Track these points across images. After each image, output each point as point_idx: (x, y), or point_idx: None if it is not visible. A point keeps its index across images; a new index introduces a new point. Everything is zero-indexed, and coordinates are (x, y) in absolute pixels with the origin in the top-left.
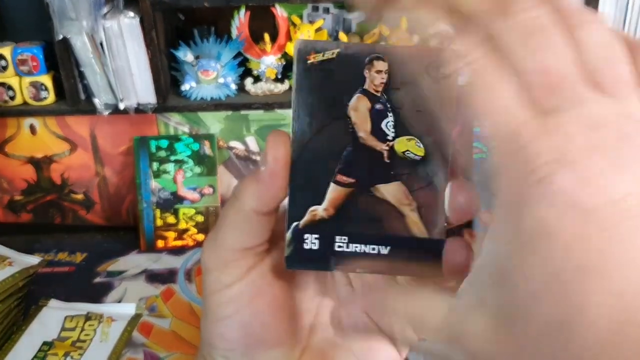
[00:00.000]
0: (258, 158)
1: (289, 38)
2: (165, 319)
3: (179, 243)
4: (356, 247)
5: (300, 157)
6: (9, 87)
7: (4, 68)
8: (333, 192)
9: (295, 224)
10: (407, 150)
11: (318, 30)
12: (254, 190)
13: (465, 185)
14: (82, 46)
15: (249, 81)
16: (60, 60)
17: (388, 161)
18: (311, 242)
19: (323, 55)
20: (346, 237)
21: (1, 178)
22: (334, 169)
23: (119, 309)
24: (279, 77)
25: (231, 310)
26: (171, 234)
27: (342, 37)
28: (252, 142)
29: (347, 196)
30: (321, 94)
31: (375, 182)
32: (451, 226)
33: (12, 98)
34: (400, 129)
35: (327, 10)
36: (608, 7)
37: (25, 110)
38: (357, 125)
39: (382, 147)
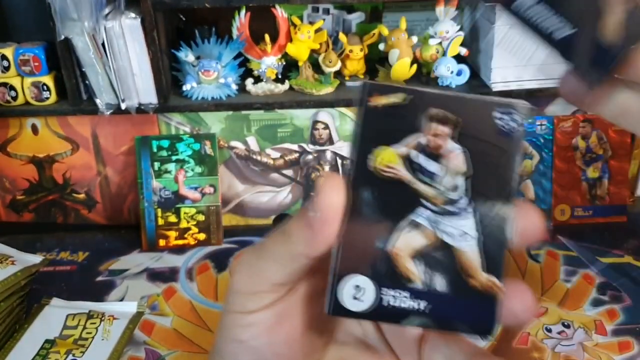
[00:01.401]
0: (259, 157)
1: (289, 39)
2: (167, 317)
3: (180, 242)
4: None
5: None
6: (11, 88)
7: (6, 68)
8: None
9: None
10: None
11: (318, 30)
12: (304, 235)
13: (532, 207)
14: (83, 46)
15: (249, 81)
16: (62, 60)
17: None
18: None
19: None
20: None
21: (3, 178)
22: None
23: (121, 307)
24: (279, 77)
25: (248, 335)
26: (172, 233)
27: (342, 37)
28: (252, 142)
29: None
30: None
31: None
32: (515, 248)
33: (14, 98)
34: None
35: (327, 11)
36: None
37: (27, 111)
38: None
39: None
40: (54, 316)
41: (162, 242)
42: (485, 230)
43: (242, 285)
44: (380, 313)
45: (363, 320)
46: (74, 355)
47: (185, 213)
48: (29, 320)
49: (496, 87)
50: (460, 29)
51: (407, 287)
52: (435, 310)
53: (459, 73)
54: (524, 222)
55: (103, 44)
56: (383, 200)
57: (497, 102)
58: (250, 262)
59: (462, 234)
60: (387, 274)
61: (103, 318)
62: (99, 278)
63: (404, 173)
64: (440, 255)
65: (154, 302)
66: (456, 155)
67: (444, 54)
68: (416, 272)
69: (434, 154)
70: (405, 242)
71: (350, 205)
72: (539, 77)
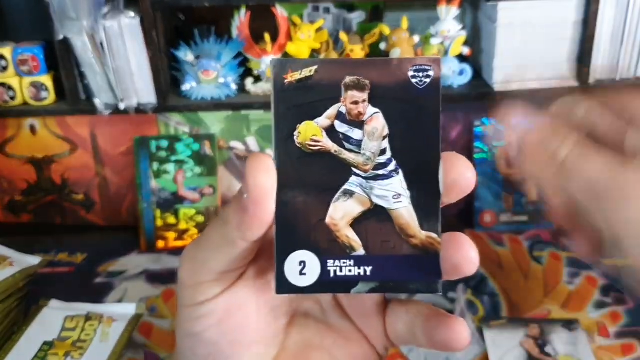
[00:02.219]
0: None
1: (289, 38)
2: (166, 319)
3: (179, 243)
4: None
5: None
6: (10, 88)
7: (5, 68)
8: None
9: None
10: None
11: (319, 30)
12: (239, 219)
13: (457, 156)
14: (82, 46)
15: (249, 81)
16: (60, 60)
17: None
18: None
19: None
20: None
21: (1, 178)
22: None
23: (120, 309)
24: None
25: (200, 327)
26: (171, 235)
27: (343, 37)
28: (252, 143)
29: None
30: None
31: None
32: (447, 204)
33: (13, 98)
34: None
35: (327, 10)
36: (608, 7)
37: (25, 111)
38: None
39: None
40: (52, 318)
41: (161, 244)
42: (416, 188)
43: (187, 278)
44: (328, 285)
45: (325, 295)
46: (72, 357)
47: (184, 214)
48: (27, 322)
49: (498, 87)
50: (463, 29)
51: (350, 255)
52: (381, 274)
53: (460, 73)
54: (452, 173)
55: (102, 44)
56: (315, 174)
57: (409, 60)
58: (192, 254)
59: (396, 195)
60: (329, 245)
61: (101, 320)
62: (98, 280)
63: (329, 144)
64: (378, 220)
65: (152, 304)
66: (377, 119)
67: (446, 53)
68: (357, 239)
69: (356, 121)
70: (342, 211)
71: (283, 184)
72: (541, 77)
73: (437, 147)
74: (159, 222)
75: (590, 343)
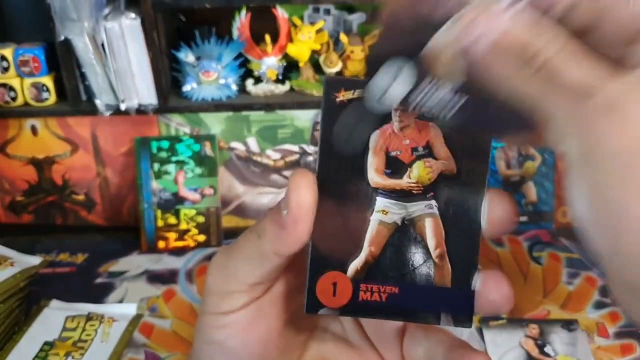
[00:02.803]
0: (259, 159)
1: (290, 39)
2: (166, 319)
3: (180, 244)
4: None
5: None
6: (11, 88)
7: (6, 69)
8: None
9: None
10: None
11: (319, 31)
12: (276, 234)
13: (504, 194)
14: (83, 47)
15: (249, 82)
16: (61, 61)
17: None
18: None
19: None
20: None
21: (2, 179)
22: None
23: (120, 309)
24: (280, 78)
25: (222, 336)
26: (172, 235)
27: (343, 38)
28: (253, 143)
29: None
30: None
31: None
32: (487, 238)
33: (14, 99)
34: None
35: (327, 12)
36: None
37: (26, 111)
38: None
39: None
40: (53, 318)
41: (161, 244)
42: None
43: (215, 286)
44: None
45: (342, 317)
46: (73, 357)
47: (185, 214)
48: (28, 322)
49: None
50: None
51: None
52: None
53: None
54: (495, 209)
55: (103, 45)
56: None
57: None
58: (223, 263)
59: (428, 205)
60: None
61: (102, 320)
62: (98, 280)
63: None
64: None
65: (153, 304)
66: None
67: None
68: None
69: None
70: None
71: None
72: None
73: (484, 181)
74: (160, 223)
75: (590, 343)
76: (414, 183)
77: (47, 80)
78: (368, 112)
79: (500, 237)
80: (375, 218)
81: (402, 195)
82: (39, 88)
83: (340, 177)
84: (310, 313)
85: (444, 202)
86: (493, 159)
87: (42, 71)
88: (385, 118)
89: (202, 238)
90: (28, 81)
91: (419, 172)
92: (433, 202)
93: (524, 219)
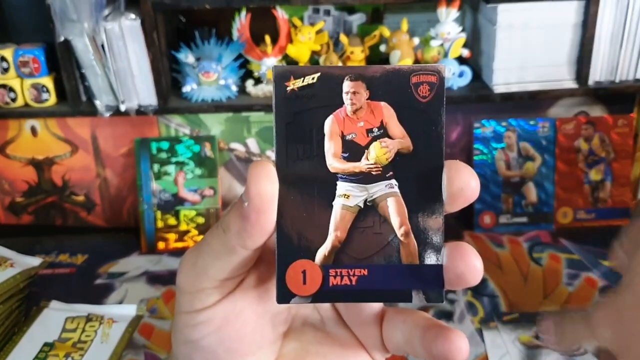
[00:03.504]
0: (259, 159)
1: (289, 40)
2: (166, 320)
3: (179, 245)
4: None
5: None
6: (11, 89)
7: (6, 70)
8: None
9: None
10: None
11: (319, 32)
12: (240, 227)
13: (460, 164)
14: (83, 48)
15: (249, 83)
16: (61, 62)
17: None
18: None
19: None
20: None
21: (2, 180)
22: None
23: (120, 310)
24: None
25: (198, 334)
26: (172, 236)
27: (343, 39)
28: (252, 144)
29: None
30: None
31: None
32: (450, 212)
33: (14, 100)
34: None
35: (327, 13)
36: (607, 9)
37: (26, 112)
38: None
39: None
40: (53, 319)
41: (161, 245)
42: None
43: (187, 285)
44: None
45: (316, 304)
46: (72, 358)
47: (184, 215)
48: (27, 323)
49: (498, 89)
50: (462, 31)
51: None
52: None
53: (460, 74)
54: (457, 182)
55: (103, 46)
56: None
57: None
58: (192, 261)
59: (388, 184)
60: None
61: (102, 321)
62: (98, 281)
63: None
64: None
65: (153, 305)
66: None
67: (446, 55)
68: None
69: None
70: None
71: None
72: (541, 78)
73: (441, 156)
74: (160, 224)
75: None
76: (372, 164)
77: (47, 81)
78: (319, 97)
79: (460, 206)
80: (338, 203)
81: (362, 178)
82: (39, 89)
83: (299, 165)
84: (282, 302)
85: (404, 180)
86: (492, 159)
87: (42, 72)
88: (337, 101)
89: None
90: (28, 82)
91: (376, 153)
92: (393, 182)
93: (524, 219)
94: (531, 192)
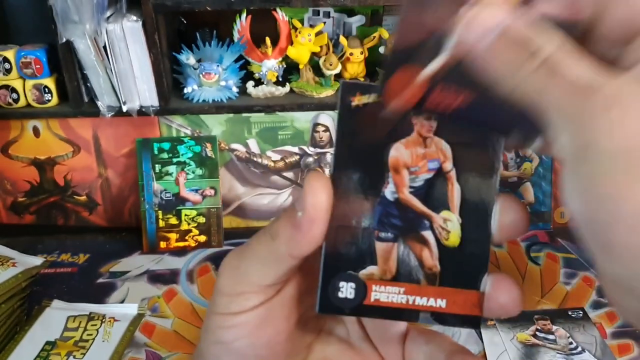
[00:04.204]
0: (259, 160)
1: (290, 42)
2: (168, 319)
3: (181, 244)
4: (389, 297)
5: (338, 204)
6: (13, 90)
7: (8, 71)
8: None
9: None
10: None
11: (319, 33)
12: (290, 235)
13: (515, 200)
14: (85, 49)
15: (250, 84)
16: (63, 63)
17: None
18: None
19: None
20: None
21: (4, 180)
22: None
23: (122, 309)
24: (280, 80)
25: (231, 337)
26: (173, 235)
27: (343, 40)
28: (253, 144)
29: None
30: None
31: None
32: (495, 244)
33: (16, 100)
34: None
35: (327, 14)
36: None
37: (28, 113)
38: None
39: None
40: (54, 318)
41: (162, 244)
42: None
43: (226, 287)
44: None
45: (351, 317)
46: (74, 357)
47: (186, 215)
48: (29, 322)
49: None
50: None
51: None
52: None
53: None
54: (507, 215)
55: (104, 47)
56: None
57: None
58: (235, 264)
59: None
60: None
61: (104, 320)
62: (100, 280)
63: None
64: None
65: (154, 304)
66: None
67: None
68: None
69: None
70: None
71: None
72: None
73: (495, 187)
74: (161, 223)
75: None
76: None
77: (49, 82)
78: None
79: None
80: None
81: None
82: (41, 90)
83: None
84: (323, 313)
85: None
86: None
87: (44, 73)
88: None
89: (203, 238)
90: (30, 83)
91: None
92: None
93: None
94: (529, 192)
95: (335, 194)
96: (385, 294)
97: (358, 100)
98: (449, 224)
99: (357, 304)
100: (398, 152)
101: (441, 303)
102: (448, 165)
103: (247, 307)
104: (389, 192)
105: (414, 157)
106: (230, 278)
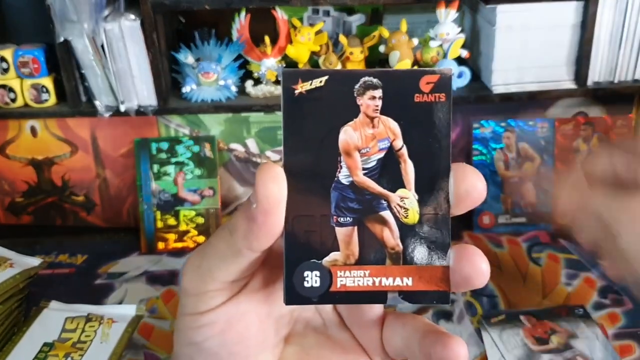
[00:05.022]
0: (258, 160)
1: (289, 41)
2: (166, 320)
3: (179, 245)
4: (355, 281)
5: (294, 192)
6: (10, 89)
7: (5, 70)
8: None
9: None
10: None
11: (318, 32)
12: (247, 229)
13: (469, 168)
14: (83, 48)
15: (249, 83)
16: (61, 62)
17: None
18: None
19: (311, 84)
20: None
21: (2, 180)
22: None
23: (120, 310)
24: (279, 79)
25: (201, 336)
26: (172, 236)
27: (342, 39)
28: (252, 144)
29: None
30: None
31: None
32: (456, 214)
33: (13, 100)
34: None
35: (327, 13)
36: (606, 10)
37: (26, 112)
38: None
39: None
40: (52, 319)
41: (161, 245)
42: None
43: (191, 287)
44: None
45: (325, 306)
46: (72, 358)
47: (184, 216)
48: (27, 323)
49: (497, 90)
50: (461, 31)
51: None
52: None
53: (459, 75)
54: (464, 184)
55: (102, 46)
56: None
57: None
58: (197, 263)
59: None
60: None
61: (102, 321)
62: (98, 281)
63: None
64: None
65: (153, 305)
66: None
67: (445, 56)
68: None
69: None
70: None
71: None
72: (540, 79)
73: (448, 158)
74: (159, 224)
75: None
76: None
77: (47, 82)
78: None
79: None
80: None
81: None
82: (39, 89)
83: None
84: (290, 304)
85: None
86: (492, 159)
87: (42, 72)
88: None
89: (201, 239)
90: (28, 82)
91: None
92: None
93: (522, 220)
94: (530, 193)
95: (289, 183)
96: (351, 279)
97: (301, 87)
98: (407, 202)
99: (324, 291)
100: (347, 135)
101: (407, 281)
102: (398, 143)
103: (214, 305)
104: (343, 176)
105: (363, 139)
106: (194, 277)
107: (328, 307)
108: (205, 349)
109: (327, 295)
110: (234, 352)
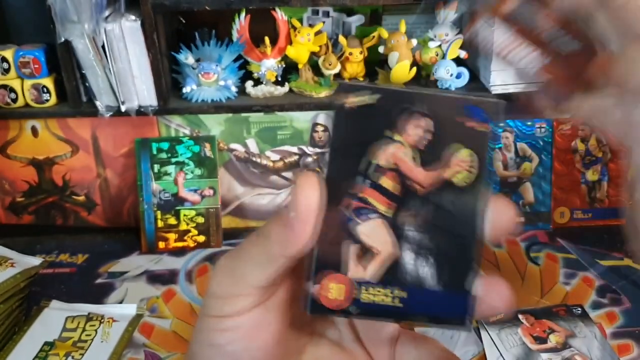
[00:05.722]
0: (258, 160)
1: (289, 41)
2: (166, 319)
3: (179, 244)
4: (382, 297)
5: (329, 203)
6: (11, 90)
7: (6, 70)
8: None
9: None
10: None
11: (318, 33)
12: (283, 235)
13: (504, 199)
14: (83, 49)
15: (249, 84)
16: (62, 62)
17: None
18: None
19: (362, 99)
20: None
21: (3, 180)
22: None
23: (120, 309)
24: (279, 79)
25: (224, 340)
26: (172, 236)
27: (342, 40)
28: (252, 144)
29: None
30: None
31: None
32: (488, 241)
33: (14, 100)
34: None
35: (327, 14)
36: None
37: (27, 113)
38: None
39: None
40: (53, 318)
41: (161, 245)
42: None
43: (220, 290)
44: (358, 310)
45: (342, 319)
46: (73, 357)
47: (184, 215)
48: (28, 323)
49: (495, 90)
50: (460, 32)
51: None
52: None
53: (458, 76)
54: (495, 215)
55: (103, 46)
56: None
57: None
58: (229, 266)
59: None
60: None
61: (102, 320)
62: (99, 280)
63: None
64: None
65: (153, 304)
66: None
67: (444, 56)
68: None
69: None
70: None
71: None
72: (539, 79)
73: (484, 186)
74: (160, 223)
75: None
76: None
77: (48, 82)
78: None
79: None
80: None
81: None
82: (40, 89)
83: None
84: (314, 314)
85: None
86: (491, 160)
87: (43, 73)
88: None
89: (201, 239)
90: (28, 82)
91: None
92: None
93: (521, 219)
94: (528, 192)
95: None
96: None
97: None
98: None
99: (348, 304)
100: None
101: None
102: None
103: (242, 309)
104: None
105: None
106: (225, 280)
107: (345, 320)
108: (226, 353)
109: (349, 308)
110: (255, 358)
